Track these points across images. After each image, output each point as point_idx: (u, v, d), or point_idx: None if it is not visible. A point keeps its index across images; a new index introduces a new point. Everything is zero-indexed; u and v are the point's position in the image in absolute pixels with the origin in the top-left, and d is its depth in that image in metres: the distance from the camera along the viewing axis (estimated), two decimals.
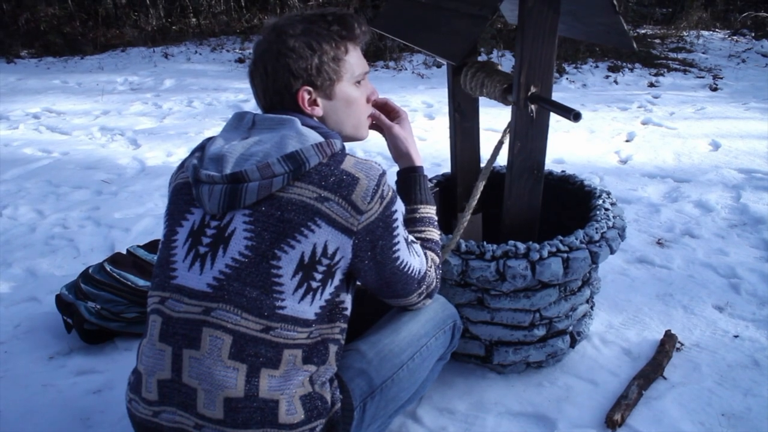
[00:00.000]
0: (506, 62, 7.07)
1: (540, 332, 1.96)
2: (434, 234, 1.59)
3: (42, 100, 6.31)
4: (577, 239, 1.86)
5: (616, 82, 6.40)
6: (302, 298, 1.27)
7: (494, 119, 4.62)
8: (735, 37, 8.46)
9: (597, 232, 1.91)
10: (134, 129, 5.22)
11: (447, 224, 2.29)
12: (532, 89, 1.80)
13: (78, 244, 3.12)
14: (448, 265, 1.85)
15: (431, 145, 4.42)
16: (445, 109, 2.42)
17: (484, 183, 1.92)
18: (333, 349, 1.36)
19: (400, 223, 1.36)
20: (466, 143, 2.22)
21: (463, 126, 2.20)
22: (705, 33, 8.66)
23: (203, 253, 1.27)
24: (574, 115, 1.65)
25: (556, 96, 1.88)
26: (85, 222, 3.39)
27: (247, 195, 1.25)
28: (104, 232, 3.26)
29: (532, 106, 1.82)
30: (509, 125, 1.88)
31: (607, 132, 4.75)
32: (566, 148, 4.33)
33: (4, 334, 2.37)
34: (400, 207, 1.37)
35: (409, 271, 1.41)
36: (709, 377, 2.03)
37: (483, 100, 2.11)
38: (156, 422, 1.28)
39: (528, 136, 1.86)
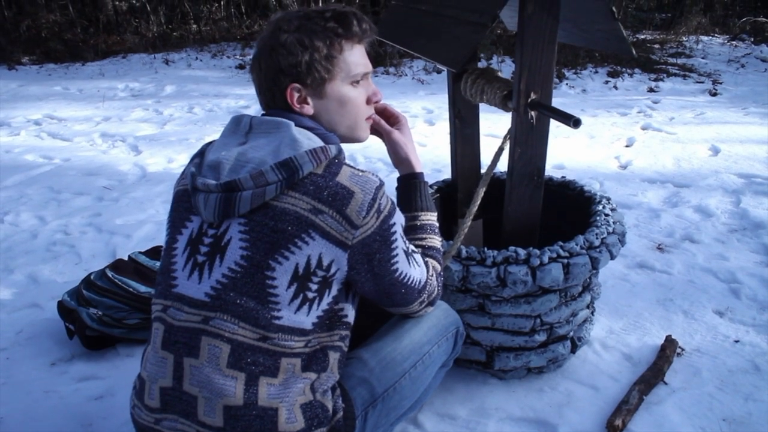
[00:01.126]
0: (506, 68, 7.09)
1: (541, 338, 1.96)
2: (435, 241, 1.58)
3: (43, 106, 6.33)
4: (577, 245, 1.87)
5: (615, 87, 6.42)
6: (299, 308, 1.26)
7: (494, 125, 4.63)
8: (734, 42, 8.48)
9: (597, 238, 1.92)
10: (135, 135, 5.23)
11: (448, 230, 2.29)
12: (532, 96, 1.81)
13: (79, 250, 3.13)
14: (449, 272, 1.85)
15: (431, 151, 4.43)
16: (446, 114, 2.43)
17: (484, 189, 1.93)
18: (334, 356, 1.36)
19: (399, 236, 1.34)
20: (467, 149, 2.23)
21: (464, 132, 2.20)
22: (704, 38, 8.69)
23: (201, 262, 1.28)
24: (573, 122, 1.66)
25: (556, 102, 1.89)
26: (87, 228, 3.40)
27: (241, 204, 1.24)
28: (106, 239, 3.26)
29: (532, 113, 1.83)
30: (509, 132, 1.89)
31: (607, 137, 4.76)
32: (566, 153, 4.34)
33: (5, 340, 2.37)
34: (399, 219, 1.35)
35: (409, 282, 1.39)
36: (709, 382, 2.04)
37: (483, 106, 2.12)
38: (158, 430, 1.29)
39: (528, 142, 1.87)
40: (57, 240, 3.25)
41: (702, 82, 6.55)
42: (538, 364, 2.01)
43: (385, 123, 1.60)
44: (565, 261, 1.83)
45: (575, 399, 1.98)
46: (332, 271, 1.28)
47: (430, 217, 1.60)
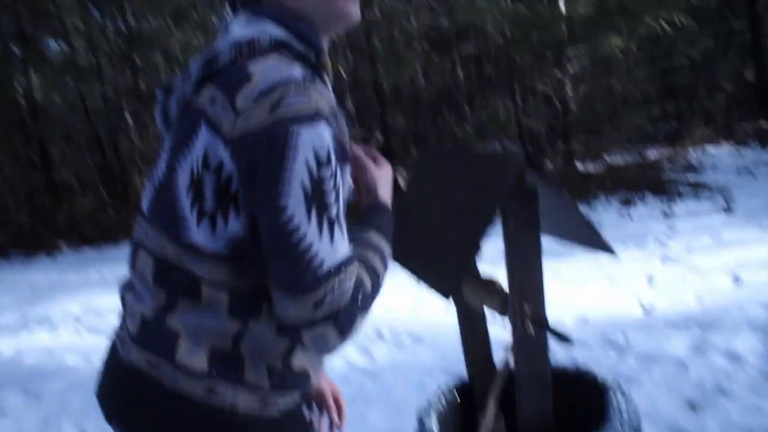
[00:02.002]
0: None
1: None
2: (378, 264, 1.15)
3: (81, 297, 6.59)
4: None
5: (630, 216, 6.52)
6: (199, 221, 1.06)
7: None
8: (740, 147, 8.63)
9: None
10: None
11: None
12: (527, 311, 1.90)
13: None
14: None
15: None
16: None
17: (495, 401, 1.98)
18: (269, 308, 1.10)
19: (304, 164, 0.98)
20: (478, 349, 2.30)
21: (473, 332, 2.28)
22: (711, 149, 8.87)
23: (152, 174, 1.21)
24: (563, 340, 1.75)
25: None
26: None
27: (170, 110, 1.19)
28: None
29: (530, 326, 1.91)
30: (511, 345, 1.97)
31: (626, 277, 4.79)
32: (588, 302, 4.37)
33: None
34: (315, 142, 0.99)
35: (302, 246, 0.99)
36: None
37: None
38: (113, 339, 1.24)
39: (529, 353, 1.94)
40: None
41: (715, 199, 6.63)
42: None
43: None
44: None
45: None
46: (223, 176, 1.03)
47: (381, 242, 1.19)
